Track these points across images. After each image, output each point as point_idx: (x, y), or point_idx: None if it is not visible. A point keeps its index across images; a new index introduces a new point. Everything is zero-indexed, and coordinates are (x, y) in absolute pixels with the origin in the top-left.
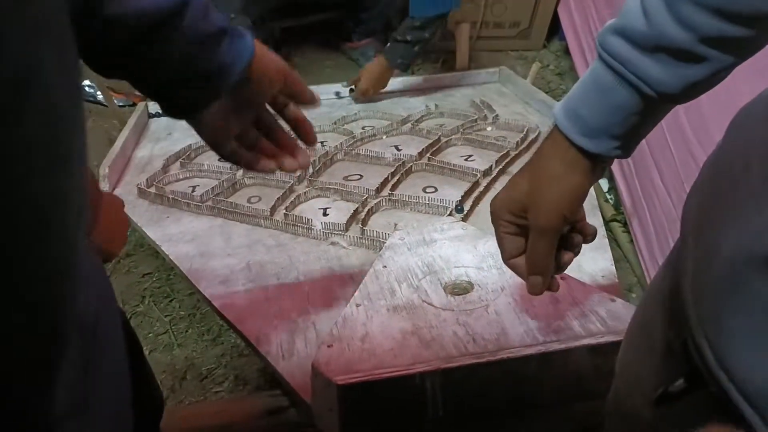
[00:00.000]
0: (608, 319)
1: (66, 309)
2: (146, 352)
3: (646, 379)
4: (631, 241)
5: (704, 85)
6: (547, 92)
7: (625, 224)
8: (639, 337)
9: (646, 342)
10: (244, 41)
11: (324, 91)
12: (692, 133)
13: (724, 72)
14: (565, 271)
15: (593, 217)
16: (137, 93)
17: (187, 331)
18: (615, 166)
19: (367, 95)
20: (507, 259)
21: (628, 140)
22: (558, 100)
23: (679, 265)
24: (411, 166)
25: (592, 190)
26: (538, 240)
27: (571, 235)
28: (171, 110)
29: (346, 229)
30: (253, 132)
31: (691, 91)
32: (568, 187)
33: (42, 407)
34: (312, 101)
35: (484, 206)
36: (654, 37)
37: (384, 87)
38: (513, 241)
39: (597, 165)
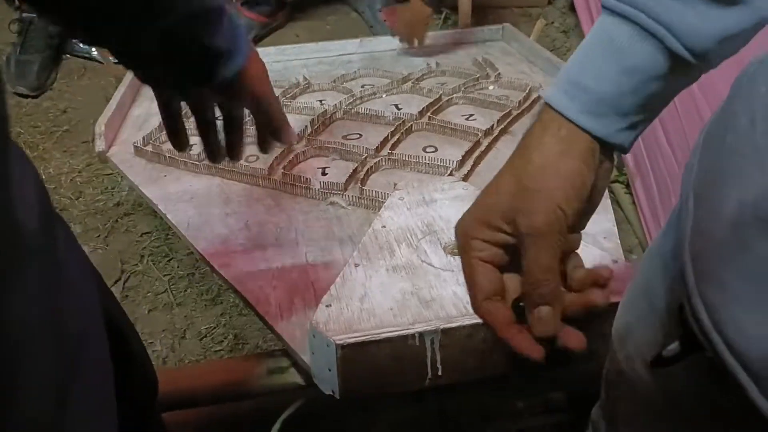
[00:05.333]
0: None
1: None
2: (145, 312)
3: (645, 343)
4: (633, 202)
5: (740, 40)
6: (551, 50)
7: (627, 185)
8: (640, 301)
9: (647, 306)
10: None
11: (325, 49)
12: (699, 91)
13: (761, 24)
14: None
15: None
16: None
17: (186, 291)
18: None
19: (411, 43)
20: (483, 299)
21: (636, 120)
22: (563, 59)
23: (680, 226)
24: (411, 125)
25: None
26: (535, 248)
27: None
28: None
29: (345, 189)
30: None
31: (726, 46)
32: (563, 173)
33: None
34: (288, 139)
35: (485, 166)
36: None
37: (425, 30)
38: (489, 272)
39: (596, 150)
